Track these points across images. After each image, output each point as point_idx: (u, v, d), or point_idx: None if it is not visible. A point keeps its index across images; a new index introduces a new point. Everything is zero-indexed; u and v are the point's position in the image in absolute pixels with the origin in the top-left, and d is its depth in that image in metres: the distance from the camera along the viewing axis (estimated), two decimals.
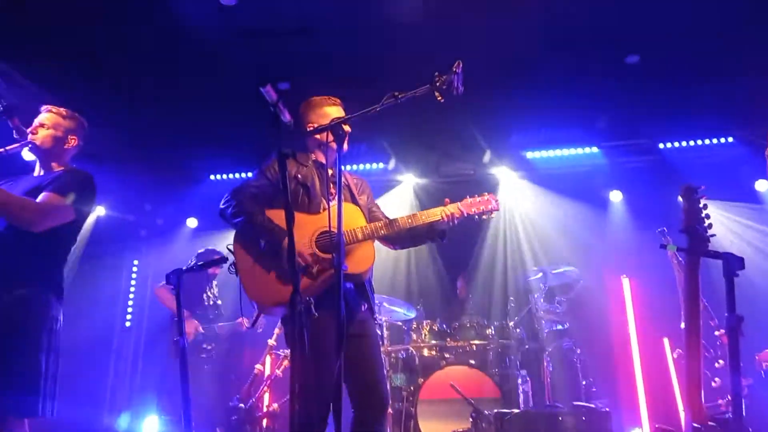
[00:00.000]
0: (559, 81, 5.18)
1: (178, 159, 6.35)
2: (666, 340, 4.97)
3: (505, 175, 6.47)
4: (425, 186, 6.61)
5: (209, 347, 4.85)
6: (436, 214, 2.70)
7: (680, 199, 2.21)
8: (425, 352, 4.78)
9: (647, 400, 4.97)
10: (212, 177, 6.74)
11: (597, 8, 4.38)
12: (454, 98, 2.52)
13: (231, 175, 6.70)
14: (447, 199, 2.74)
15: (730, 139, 6.06)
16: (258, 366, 4.52)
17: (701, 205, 2.16)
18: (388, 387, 4.55)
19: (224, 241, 5.05)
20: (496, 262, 6.32)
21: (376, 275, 5.34)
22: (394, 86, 2.52)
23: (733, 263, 1.98)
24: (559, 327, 5.09)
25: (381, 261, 6.35)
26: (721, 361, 4.08)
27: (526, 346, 4.89)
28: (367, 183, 2.99)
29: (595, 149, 6.30)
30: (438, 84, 2.46)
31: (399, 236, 2.79)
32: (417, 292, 6.02)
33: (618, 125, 5.95)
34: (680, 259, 4.00)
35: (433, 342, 4.78)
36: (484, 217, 2.77)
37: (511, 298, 5.40)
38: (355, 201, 2.81)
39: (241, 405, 4.30)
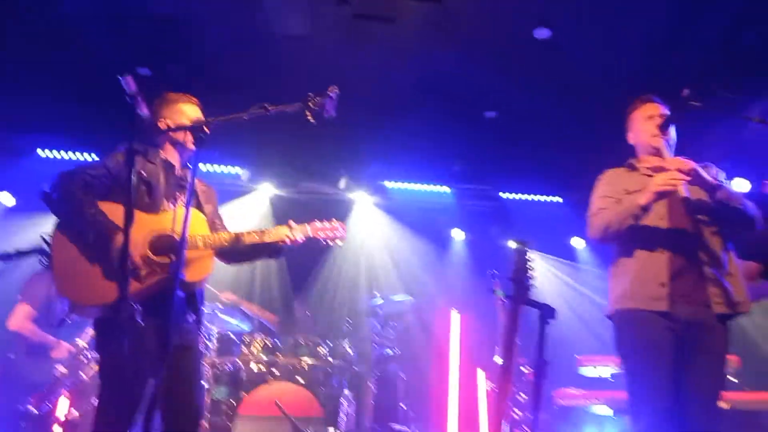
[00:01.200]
0: (425, 123, 5.50)
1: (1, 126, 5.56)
2: (480, 371, 5.39)
3: (360, 200, 6.64)
4: (282, 198, 6.54)
5: None
6: (281, 235, 2.65)
7: (512, 249, 2.43)
8: (253, 367, 4.65)
9: (458, 425, 5.32)
10: (42, 153, 5.98)
11: (468, 67, 4.75)
12: (323, 120, 2.54)
13: (65, 154, 6.01)
14: (291, 221, 2.71)
15: (560, 199, 6.87)
16: (60, 368, 4.01)
17: (528, 258, 2.39)
18: (207, 400, 4.38)
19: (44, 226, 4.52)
20: (341, 283, 6.42)
21: (217, 283, 5.14)
22: (263, 95, 2.47)
23: (547, 313, 2.23)
24: (389, 352, 5.27)
25: (223, 270, 6.12)
26: (523, 395, 4.51)
27: (355, 368, 4.99)
28: (215, 192, 2.85)
29: (446, 189, 6.73)
30: (311, 104, 2.46)
31: (237, 251, 2.69)
32: (258, 305, 5.85)
33: (470, 170, 6.45)
34: (505, 302, 4.39)
35: (263, 357, 4.67)
36: (329, 243, 2.79)
37: (349, 320, 5.49)
38: (200, 208, 2.68)
39: (33, 410, 3.79)
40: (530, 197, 6.88)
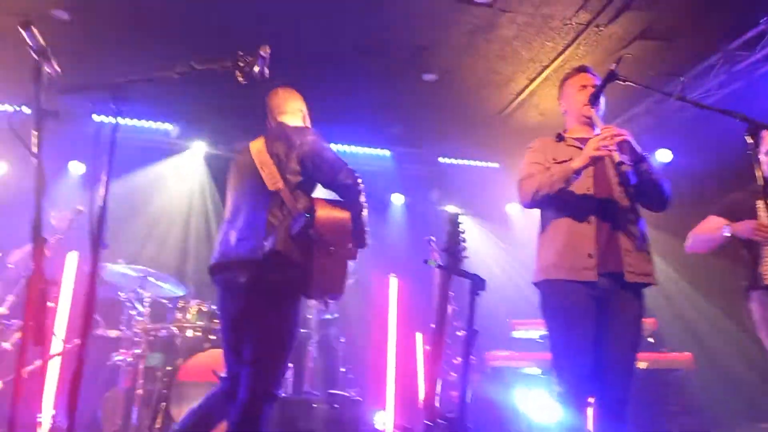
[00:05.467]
0: (364, 83, 5.40)
1: None
2: (419, 335, 5.51)
3: None
4: (218, 157, 6.30)
5: None
6: None
7: (444, 218, 2.46)
8: (189, 333, 4.55)
9: (395, 388, 5.46)
10: None
11: (406, 25, 4.67)
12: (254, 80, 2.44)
13: None
14: None
15: (497, 165, 6.99)
16: None
17: (461, 227, 2.42)
18: (140, 367, 4.26)
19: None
20: None
21: (145, 247, 4.95)
22: (190, 47, 2.36)
23: (477, 283, 2.28)
24: (329, 316, 5.28)
25: (154, 233, 5.91)
26: (459, 358, 4.64)
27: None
28: None
29: (386, 152, 6.70)
30: (241, 64, 2.35)
31: None
32: (192, 270, 5.69)
33: (409, 134, 6.43)
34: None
35: (199, 323, 4.58)
36: None
37: None
38: None
39: None
40: (468, 162, 6.96)
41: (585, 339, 2.36)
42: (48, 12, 4.25)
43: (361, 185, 2.58)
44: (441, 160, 6.87)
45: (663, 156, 5.48)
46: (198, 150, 6.23)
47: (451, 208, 2.40)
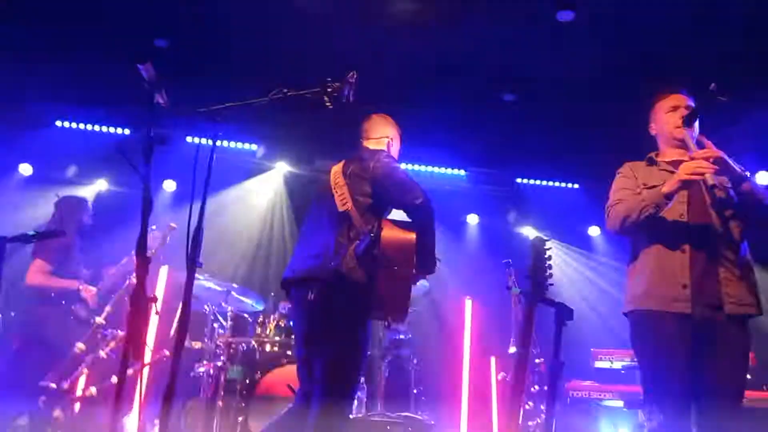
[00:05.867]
0: (443, 103, 5.41)
1: (18, 98, 5.56)
2: (493, 360, 5.38)
3: None
4: (297, 176, 6.50)
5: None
6: None
7: (528, 242, 2.40)
8: (267, 348, 4.68)
9: (469, 412, 5.35)
10: (60, 124, 6.01)
11: (487, 47, 4.68)
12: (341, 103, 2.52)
13: (81, 125, 6.03)
14: None
15: (576, 186, 6.76)
16: (79, 345, 4.07)
17: (546, 254, 2.35)
18: (221, 380, 4.41)
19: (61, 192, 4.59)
20: None
21: (227, 262, 5.12)
22: (275, 73, 2.47)
23: (563, 313, 2.19)
24: (401, 336, 5.27)
25: (235, 249, 6.13)
26: (536, 387, 4.50)
27: (368, 353, 4.98)
28: None
29: (462, 172, 6.64)
30: (329, 90, 2.45)
31: None
32: (275, 284, 5.85)
33: (485, 154, 6.35)
34: (520, 297, 4.36)
35: (278, 338, 4.69)
36: None
37: None
38: None
39: (53, 385, 3.86)
40: (547, 183, 6.78)
41: (677, 373, 2.24)
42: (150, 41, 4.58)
43: (431, 207, 2.57)
44: (518, 180, 6.73)
45: (764, 179, 5.12)
46: (280, 169, 6.46)
47: (529, 231, 2.33)
